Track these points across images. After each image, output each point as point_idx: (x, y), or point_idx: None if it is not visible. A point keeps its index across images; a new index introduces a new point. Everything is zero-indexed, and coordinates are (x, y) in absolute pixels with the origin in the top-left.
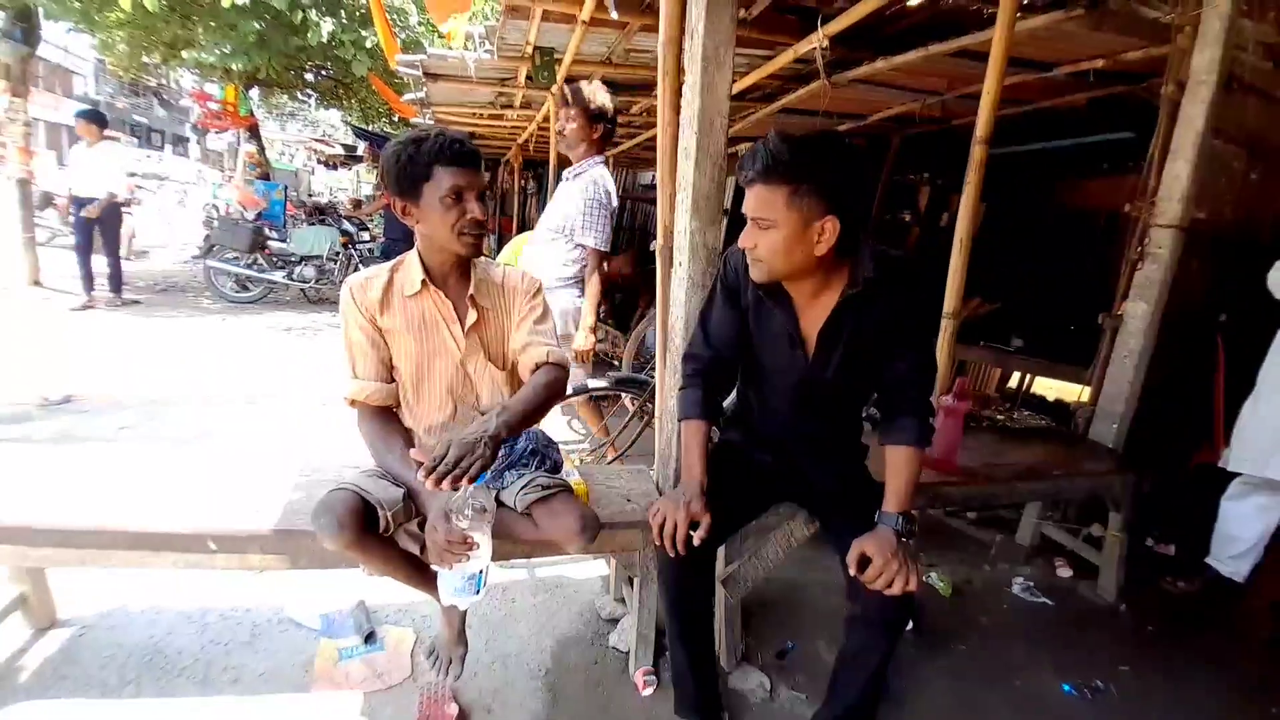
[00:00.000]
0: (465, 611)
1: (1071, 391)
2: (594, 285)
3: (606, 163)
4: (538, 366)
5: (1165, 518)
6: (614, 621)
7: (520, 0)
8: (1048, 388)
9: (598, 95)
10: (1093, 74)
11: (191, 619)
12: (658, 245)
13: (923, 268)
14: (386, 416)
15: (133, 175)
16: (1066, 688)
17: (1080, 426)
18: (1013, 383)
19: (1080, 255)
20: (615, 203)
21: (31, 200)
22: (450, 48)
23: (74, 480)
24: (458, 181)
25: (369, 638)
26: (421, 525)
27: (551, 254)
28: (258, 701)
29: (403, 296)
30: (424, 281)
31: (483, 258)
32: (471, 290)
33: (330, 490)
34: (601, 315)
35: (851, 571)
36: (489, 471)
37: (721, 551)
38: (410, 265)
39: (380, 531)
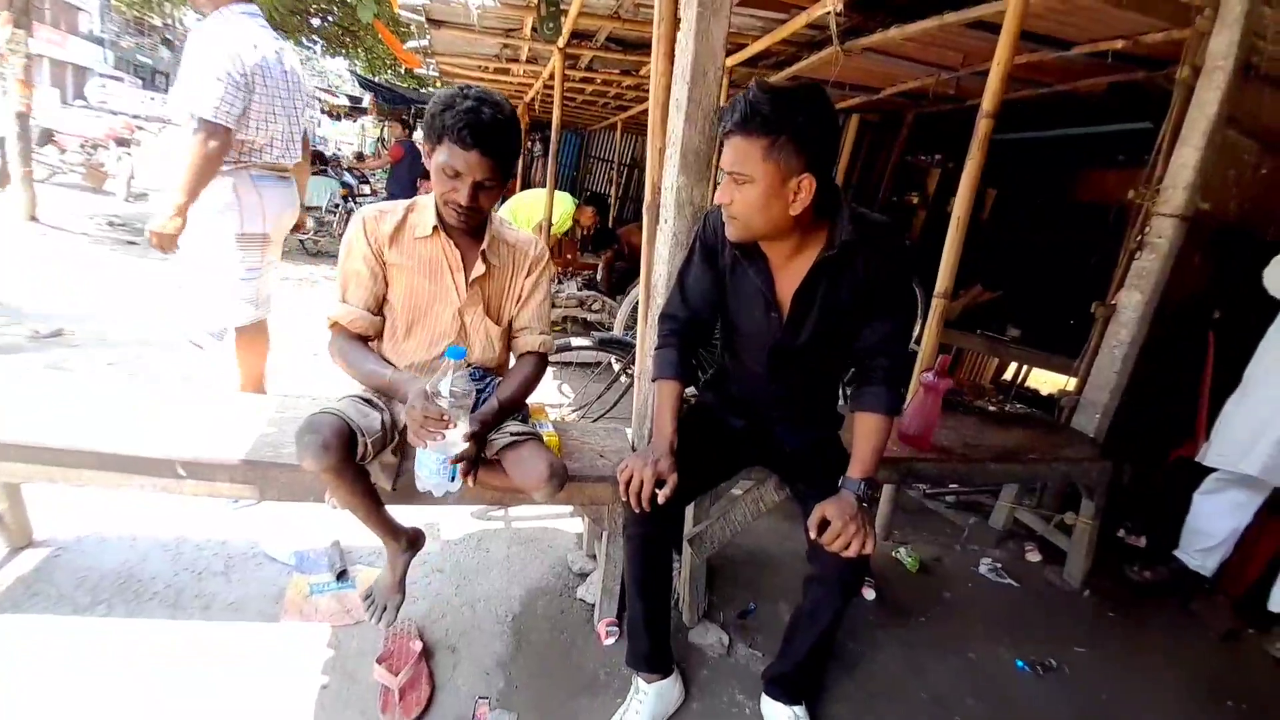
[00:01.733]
0: (407, 563)
1: (1067, 389)
2: (193, 162)
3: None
4: (528, 353)
5: (1139, 510)
6: (584, 576)
7: None
8: (1043, 381)
9: None
10: (1111, 55)
11: (167, 547)
12: (646, 202)
13: (899, 231)
14: (361, 340)
15: (136, 117)
16: (1020, 663)
17: (1064, 415)
18: (1009, 374)
19: (1087, 248)
20: (250, 62)
21: (30, 135)
22: None
23: (53, 405)
24: (454, 164)
25: (341, 575)
26: (395, 452)
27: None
28: (226, 627)
29: (413, 237)
30: (435, 227)
31: (498, 215)
32: (484, 245)
33: (315, 413)
34: (597, 285)
35: (812, 534)
36: (472, 370)
37: (691, 512)
38: (424, 208)
39: (358, 459)
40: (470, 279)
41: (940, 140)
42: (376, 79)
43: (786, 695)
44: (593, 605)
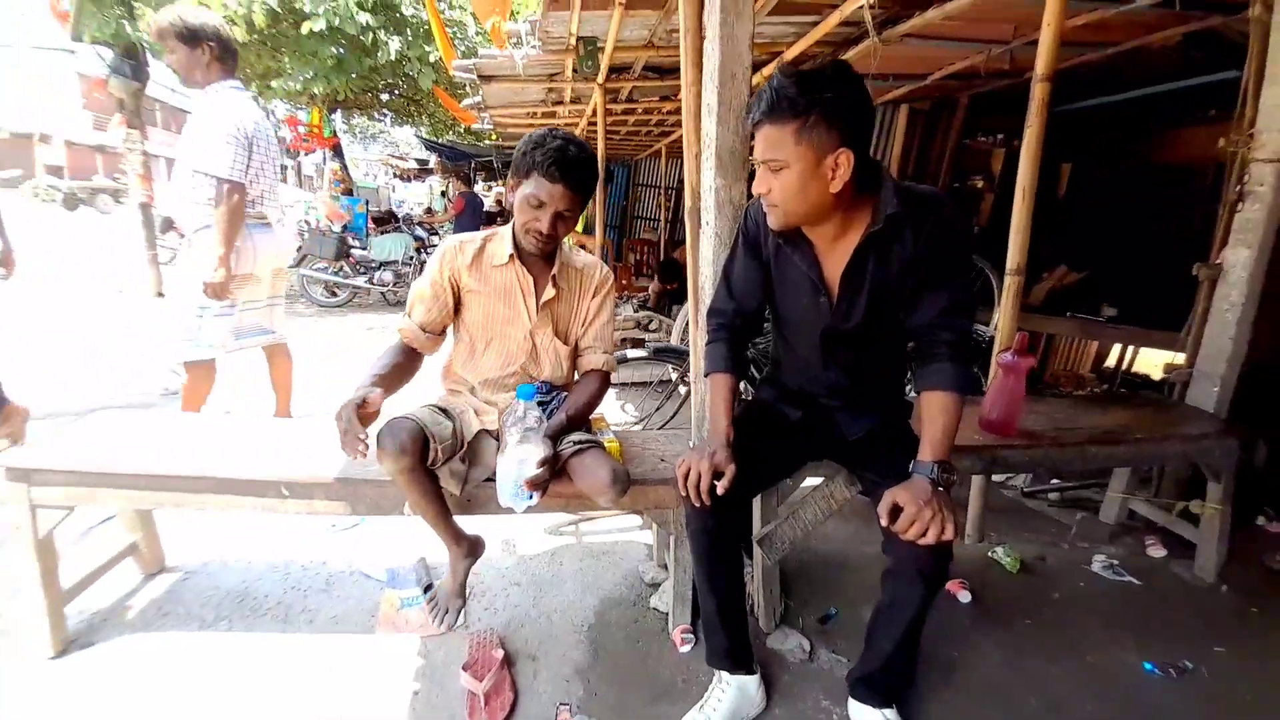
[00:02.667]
0: (468, 568)
1: (1176, 363)
2: (224, 216)
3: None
4: (592, 370)
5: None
6: (656, 586)
7: None
8: (1154, 365)
9: (185, 17)
10: (1179, 2)
11: (277, 568)
12: (687, 207)
13: (949, 199)
14: (409, 352)
15: None
16: (1148, 666)
17: (1175, 391)
18: (1112, 360)
19: (1183, 212)
20: (249, 129)
21: (153, 222)
22: (493, 44)
23: (178, 442)
24: (539, 195)
25: (428, 589)
26: (463, 460)
27: (200, 194)
28: (329, 638)
29: (490, 265)
30: (512, 255)
31: (566, 242)
32: (554, 271)
33: (394, 417)
34: (650, 305)
35: (883, 522)
36: (542, 384)
37: (758, 512)
38: (503, 238)
39: (428, 463)
40: (541, 302)
41: (1001, 120)
42: (440, 141)
43: (875, 697)
44: (666, 614)
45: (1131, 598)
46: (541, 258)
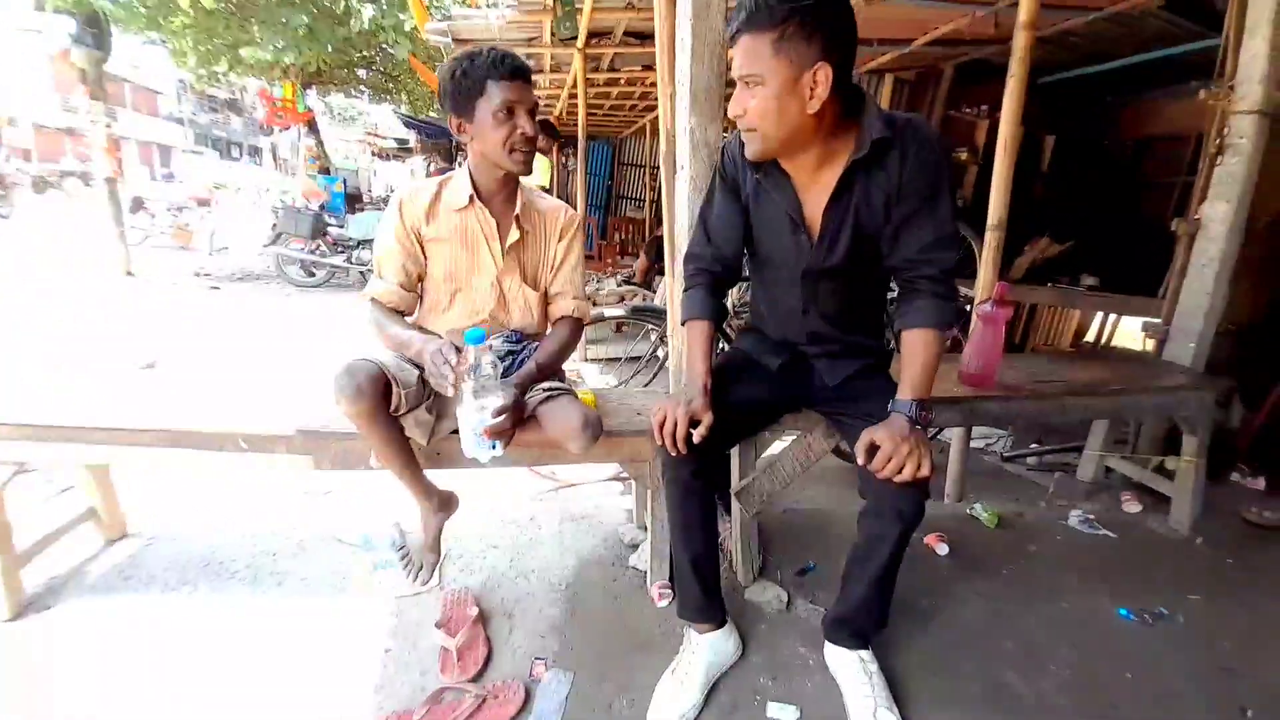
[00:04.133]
0: (440, 524)
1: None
2: None
3: None
4: (562, 317)
5: (1255, 449)
6: (635, 547)
7: None
8: (1133, 339)
9: None
10: None
11: (247, 534)
12: (661, 153)
13: (931, 127)
14: (395, 314)
15: (217, 187)
16: (1123, 612)
17: (1154, 349)
18: (1092, 334)
19: (1165, 183)
20: None
21: (119, 199)
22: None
23: (134, 399)
24: (509, 96)
25: (403, 552)
26: (429, 410)
27: None
28: (299, 600)
29: (449, 210)
30: (471, 197)
31: (530, 185)
32: (517, 211)
33: (354, 359)
34: (635, 281)
35: (860, 460)
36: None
37: (736, 465)
38: (459, 181)
39: (391, 409)
40: (506, 246)
41: (985, 91)
42: (419, 118)
43: (850, 639)
44: (645, 572)
45: (1107, 550)
46: (505, 197)
